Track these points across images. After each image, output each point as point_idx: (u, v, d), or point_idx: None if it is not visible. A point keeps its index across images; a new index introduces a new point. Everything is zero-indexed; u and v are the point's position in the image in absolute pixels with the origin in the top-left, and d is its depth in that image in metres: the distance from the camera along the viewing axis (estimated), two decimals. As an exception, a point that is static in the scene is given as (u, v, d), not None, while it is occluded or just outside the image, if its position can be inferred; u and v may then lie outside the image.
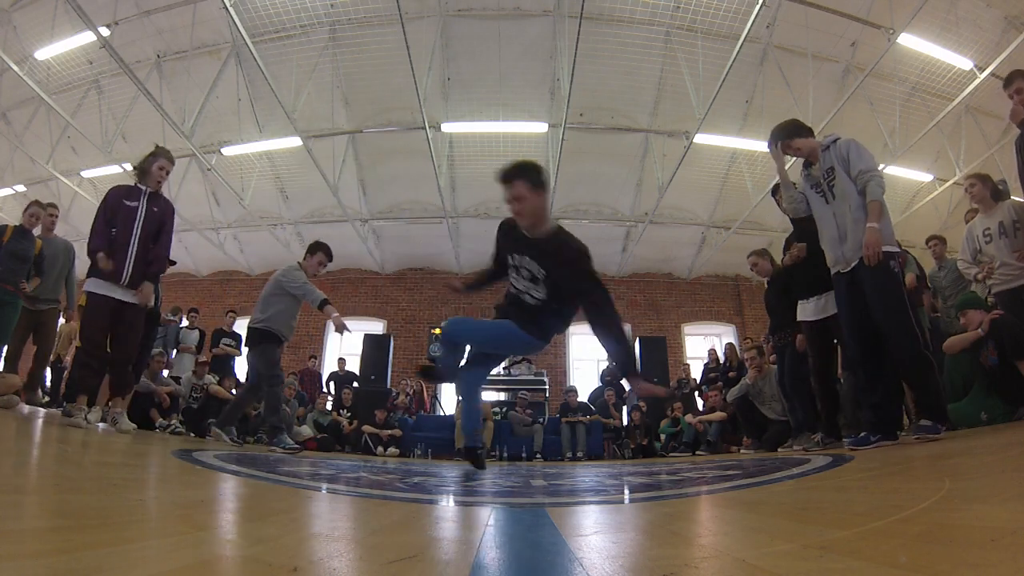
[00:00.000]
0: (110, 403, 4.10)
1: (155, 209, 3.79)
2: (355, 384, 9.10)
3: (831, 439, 3.66)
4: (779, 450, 4.49)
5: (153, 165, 3.82)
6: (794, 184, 3.35)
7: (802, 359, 4.17)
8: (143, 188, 3.79)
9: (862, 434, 2.88)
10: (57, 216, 5.22)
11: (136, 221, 3.67)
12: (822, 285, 3.54)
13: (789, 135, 3.18)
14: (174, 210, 4.06)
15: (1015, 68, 3.26)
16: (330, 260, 5.02)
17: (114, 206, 3.68)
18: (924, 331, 2.83)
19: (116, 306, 3.63)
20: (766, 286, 4.83)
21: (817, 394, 3.93)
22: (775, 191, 4.06)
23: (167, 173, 3.92)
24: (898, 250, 2.91)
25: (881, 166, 3.56)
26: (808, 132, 3.20)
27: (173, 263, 5.22)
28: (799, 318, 3.84)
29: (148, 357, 5.31)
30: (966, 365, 3.54)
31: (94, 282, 3.60)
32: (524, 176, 2.56)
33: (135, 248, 3.65)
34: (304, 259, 4.98)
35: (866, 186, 2.83)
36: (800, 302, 3.83)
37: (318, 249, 5.02)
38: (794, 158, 3.38)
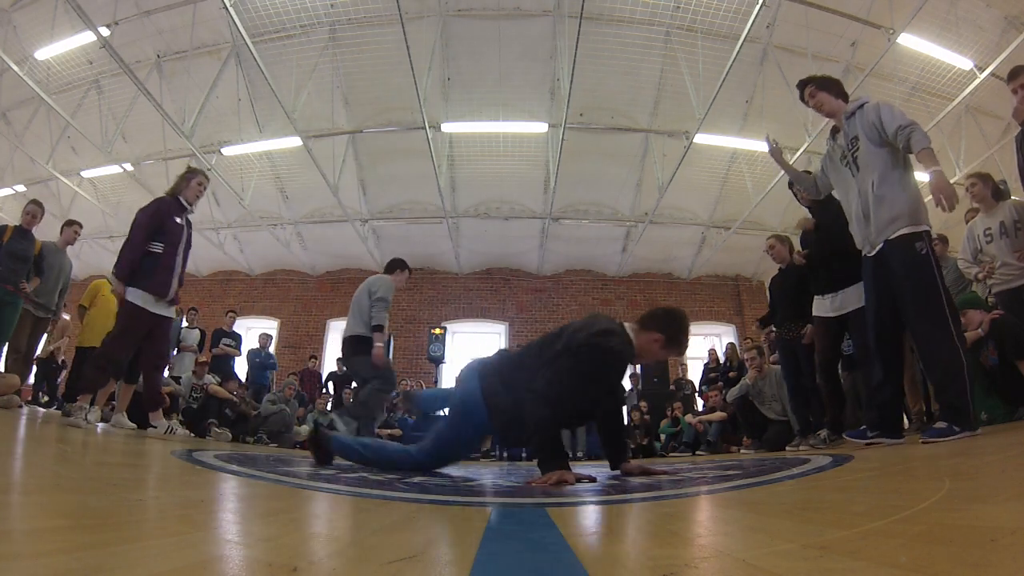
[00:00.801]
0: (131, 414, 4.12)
1: (189, 232, 3.88)
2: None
3: (836, 436, 3.64)
4: (787, 448, 4.47)
5: (192, 181, 3.87)
6: (808, 172, 3.24)
7: (809, 357, 4.13)
8: (187, 206, 3.83)
9: (861, 427, 2.81)
10: (79, 234, 5.24)
11: (181, 241, 3.71)
12: (841, 282, 3.49)
13: (820, 85, 2.94)
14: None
15: (1017, 66, 3.23)
16: (411, 274, 4.87)
17: (162, 221, 3.63)
18: (958, 324, 2.54)
19: (151, 319, 3.63)
20: (779, 270, 4.68)
21: (823, 391, 3.89)
22: (792, 184, 4.00)
23: (204, 189, 3.96)
24: (926, 229, 2.59)
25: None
26: (842, 94, 2.95)
27: None
28: (814, 313, 3.73)
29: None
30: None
31: (137, 293, 3.55)
32: None
33: (179, 268, 3.69)
34: (393, 275, 4.75)
35: (909, 139, 2.54)
36: (816, 297, 3.73)
37: (402, 266, 4.86)
38: (787, 159, 3.36)
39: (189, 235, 3.86)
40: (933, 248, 2.59)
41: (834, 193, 3.19)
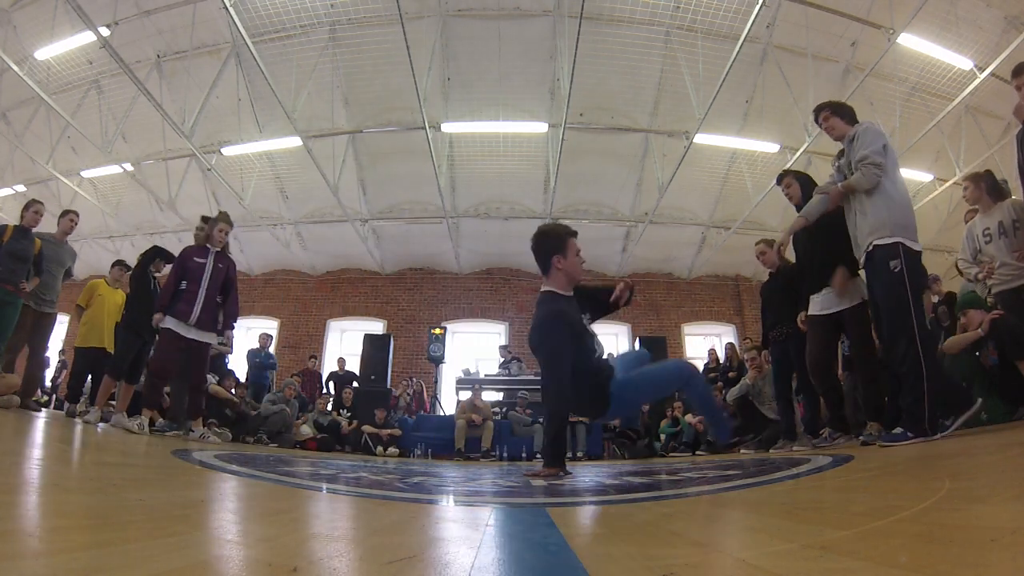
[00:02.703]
0: (190, 424, 4.56)
1: (220, 266, 4.45)
2: (355, 384, 9.10)
3: (838, 433, 3.62)
4: (771, 451, 4.47)
5: (214, 229, 4.52)
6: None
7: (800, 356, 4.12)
8: (210, 248, 4.49)
9: (897, 430, 2.78)
10: (76, 223, 5.24)
11: (204, 275, 4.35)
12: (824, 277, 3.53)
13: (835, 111, 3.15)
14: (236, 267, 4.74)
15: (1021, 63, 3.22)
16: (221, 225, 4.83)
17: (184, 263, 4.39)
18: (924, 335, 2.70)
19: (186, 343, 4.26)
20: (769, 275, 4.72)
21: (819, 390, 3.87)
22: (779, 179, 4.06)
23: (226, 234, 4.60)
24: (901, 240, 2.73)
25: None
26: (853, 121, 3.14)
27: (171, 262, 5.24)
28: (809, 312, 3.73)
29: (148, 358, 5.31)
30: (966, 365, 3.54)
31: (169, 319, 4.23)
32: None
33: (203, 296, 4.31)
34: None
35: (855, 170, 2.85)
36: (812, 296, 3.71)
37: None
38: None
39: (219, 270, 4.45)
40: (911, 263, 2.72)
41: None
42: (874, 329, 3.10)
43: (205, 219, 4.72)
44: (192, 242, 4.64)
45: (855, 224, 2.95)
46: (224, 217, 4.66)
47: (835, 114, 3.14)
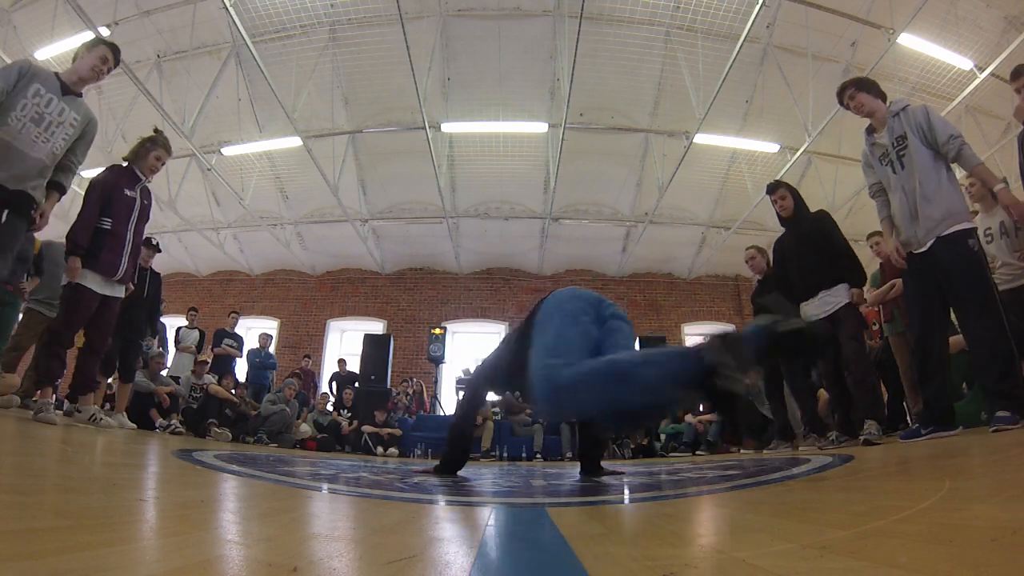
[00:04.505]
0: (51, 396, 3.54)
1: (146, 203, 3.58)
2: (355, 384, 9.11)
3: (846, 437, 3.63)
4: (763, 452, 4.48)
5: (150, 154, 3.59)
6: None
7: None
8: (140, 177, 3.55)
9: (914, 427, 2.81)
10: None
11: (133, 213, 3.43)
12: (819, 283, 3.64)
13: (860, 87, 3.00)
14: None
15: (1019, 65, 3.23)
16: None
17: (111, 191, 3.36)
18: (1007, 317, 2.64)
19: (101, 300, 3.37)
20: (758, 281, 4.87)
21: (830, 393, 3.91)
22: (772, 189, 4.08)
23: (162, 164, 3.70)
24: (975, 226, 2.73)
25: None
26: (880, 94, 3.01)
27: (159, 251, 5.18)
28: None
29: (141, 354, 5.29)
30: (966, 365, 3.54)
31: (87, 275, 3.28)
32: None
33: (131, 242, 3.39)
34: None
35: (959, 153, 2.70)
36: (803, 303, 3.77)
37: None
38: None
39: (145, 207, 3.55)
40: (980, 244, 2.70)
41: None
42: (903, 319, 3.03)
43: (153, 138, 3.62)
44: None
45: (915, 209, 2.76)
46: (164, 141, 3.66)
47: (860, 90, 3.00)
